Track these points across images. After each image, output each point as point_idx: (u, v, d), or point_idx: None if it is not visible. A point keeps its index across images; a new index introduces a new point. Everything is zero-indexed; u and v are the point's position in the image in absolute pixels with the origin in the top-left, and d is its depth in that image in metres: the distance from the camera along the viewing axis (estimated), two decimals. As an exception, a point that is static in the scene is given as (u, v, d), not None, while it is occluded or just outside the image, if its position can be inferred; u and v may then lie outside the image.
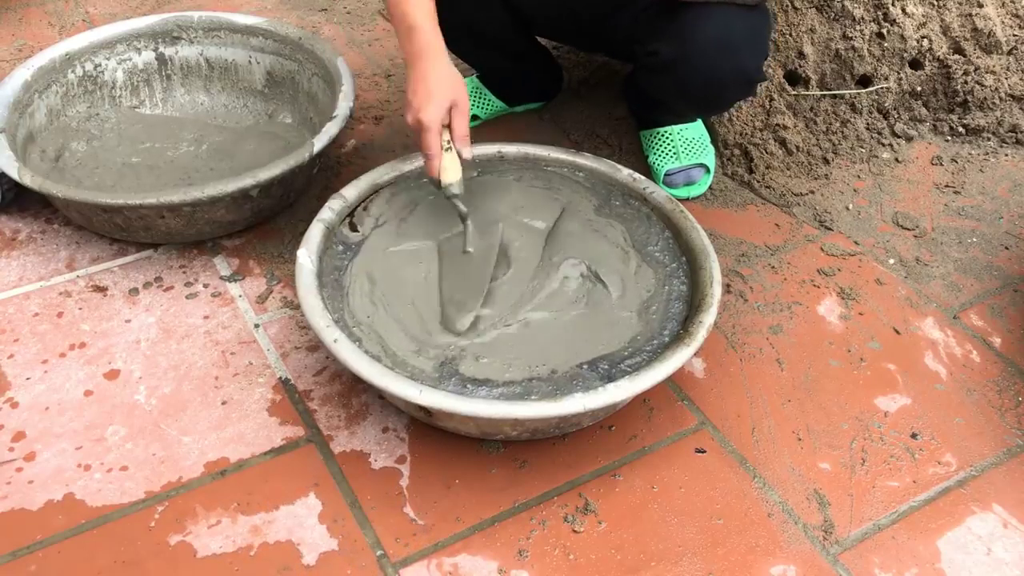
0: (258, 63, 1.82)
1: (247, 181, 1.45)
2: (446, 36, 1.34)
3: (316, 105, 1.76)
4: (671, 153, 1.72)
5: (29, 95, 1.64)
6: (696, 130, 1.75)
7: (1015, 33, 1.91)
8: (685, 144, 1.72)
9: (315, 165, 1.63)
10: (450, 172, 1.37)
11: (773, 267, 1.59)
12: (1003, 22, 1.91)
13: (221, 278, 1.52)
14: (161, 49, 1.80)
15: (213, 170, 1.68)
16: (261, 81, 1.84)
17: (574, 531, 1.18)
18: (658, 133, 1.74)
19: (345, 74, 1.65)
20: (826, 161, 1.83)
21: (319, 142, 1.52)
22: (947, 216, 1.73)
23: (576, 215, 1.47)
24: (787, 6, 1.83)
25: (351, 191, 1.45)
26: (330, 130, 1.54)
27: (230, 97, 1.85)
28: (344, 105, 1.59)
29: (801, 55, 1.84)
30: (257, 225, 1.60)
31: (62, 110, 1.72)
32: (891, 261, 1.62)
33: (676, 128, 1.73)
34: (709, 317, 1.27)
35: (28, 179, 1.45)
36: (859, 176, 1.81)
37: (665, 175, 1.72)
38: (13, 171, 1.46)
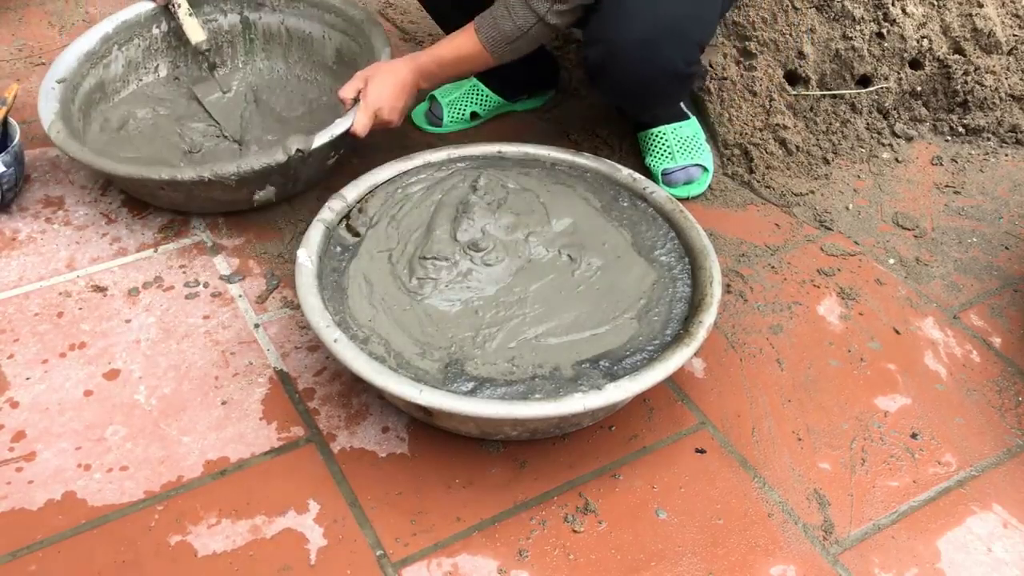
0: (330, 39, 1.87)
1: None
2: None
3: None
4: (666, 153, 1.72)
5: (108, 47, 1.74)
6: (690, 127, 1.74)
7: (1015, 33, 1.91)
8: (680, 143, 1.72)
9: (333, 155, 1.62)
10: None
11: (773, 267, 1.59)
12: (1003, 22, 1.91)
13: (221, 278, 1.52)
14: (246, 13, 1.88)
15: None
16: (332, 57, 1.88)
17: (574, 531, 1.18)
18: (652, 134, 1.73)
19: None
20: (826, 161, 1.83)
21: (305, 143, 1.50)
22: (947, 216, 1.73)
23: (584, 215, 1.47)
24: (787, 6, 1.83)
25: (351, 191, 1.45)
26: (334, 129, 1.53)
27: (304, 68, 1.91)
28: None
29: (801, 55, 1.84)
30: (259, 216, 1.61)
31: (142, 63, 1.83)
32: (891, 261, 1.62)
33: (670, 128, 1.72)
34: (709, 317, 1.27)
35: (54, 134, 1.53)
36: (859, 176, 1.81)
37: (663, 174, 1.72)
38: (47, 122, 1.53)
